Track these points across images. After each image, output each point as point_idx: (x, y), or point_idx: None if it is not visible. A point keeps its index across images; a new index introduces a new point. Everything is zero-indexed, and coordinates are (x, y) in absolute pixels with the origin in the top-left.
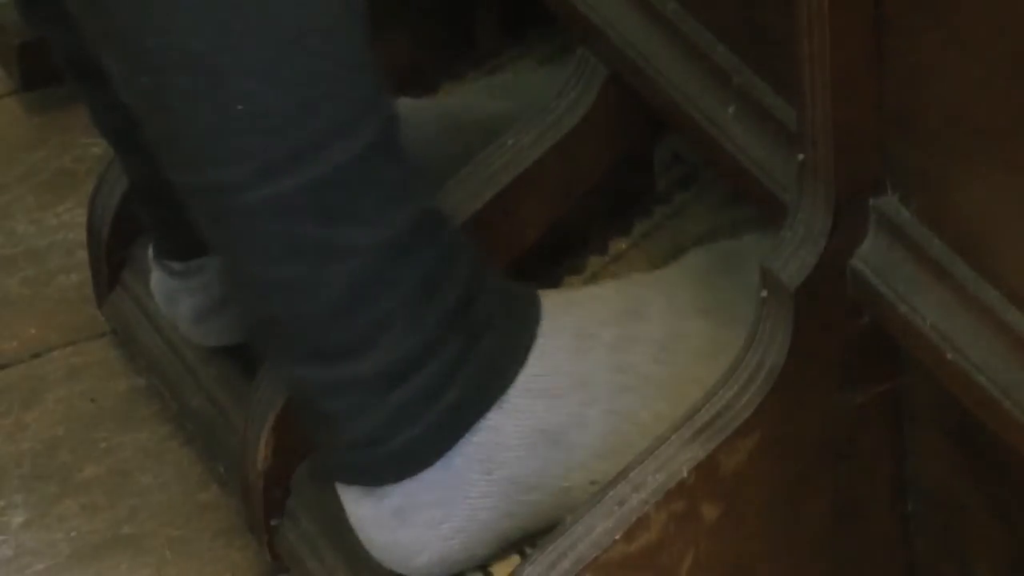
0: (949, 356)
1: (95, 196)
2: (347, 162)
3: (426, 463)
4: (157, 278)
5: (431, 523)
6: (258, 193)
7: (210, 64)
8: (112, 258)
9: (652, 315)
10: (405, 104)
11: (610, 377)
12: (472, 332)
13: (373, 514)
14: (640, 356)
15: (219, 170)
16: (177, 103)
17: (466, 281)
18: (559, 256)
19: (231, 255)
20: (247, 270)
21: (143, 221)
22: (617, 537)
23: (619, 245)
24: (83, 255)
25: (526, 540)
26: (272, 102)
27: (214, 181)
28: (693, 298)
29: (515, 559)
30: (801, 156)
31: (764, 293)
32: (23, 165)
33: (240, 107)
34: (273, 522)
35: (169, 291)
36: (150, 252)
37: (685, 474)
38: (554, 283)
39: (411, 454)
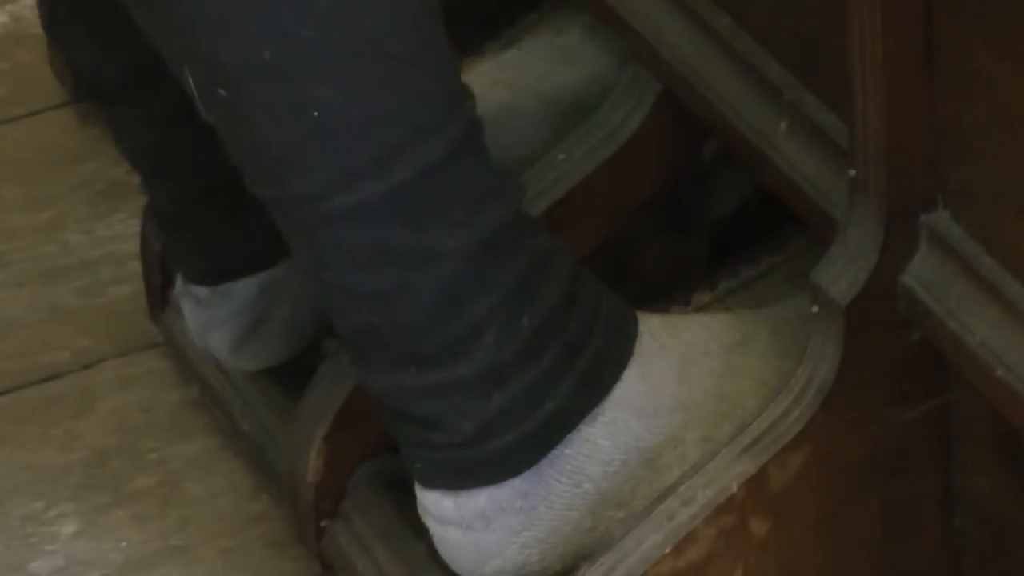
0: (999, 373)
1: (148, 208)
2: (430, 165)
3: (518, 470)
4: (187, 311)
5: (513, 530)
6: (342, 201)
7: (283, 73)
8: (165, 269)
9: (758, 351)
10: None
11: (712, 405)
12: (571, 341)
13: (455, 514)
14: (742, 388)
15: (301, 180)
16: (254, 114)
17: (563, 289)
18: (609, 274)
19: (319, 266)
20: (337, 279)
21: (166, 243)
22: (666, 551)
23: (702, 298)
24: (135, 266)
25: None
26: (349, 108)
27: (297, 191)
28: (797, 339)
29: None
30: (852, 172)
31: (815, 309)
32: (76, 176)
33: (316, 114)
34: (322, 524)
35: (200, 324)
36: (178, 282)
37: (735, 489)
38: None
39: (503, 460)
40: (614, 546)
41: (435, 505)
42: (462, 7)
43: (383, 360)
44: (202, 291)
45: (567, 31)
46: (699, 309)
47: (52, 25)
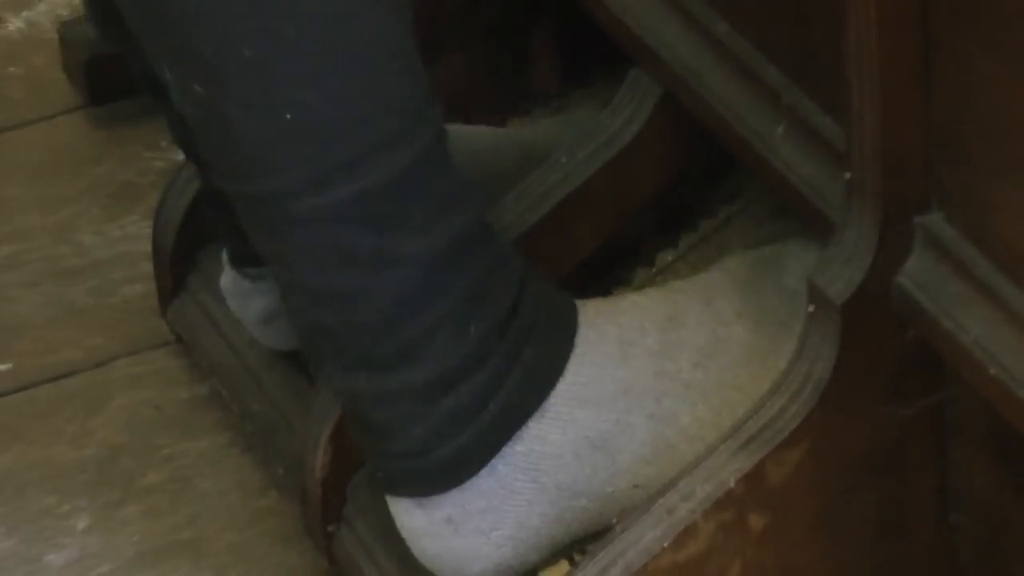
0: (992, 371)
1: (159, 209)
2: (398, 172)
3: (472, 472)
4: (229, 278)
5: (482, 531)
6: (310, 202)
7: (262, 72)
8: (175, 269)
9: (692, 321)
10: (483, 132)
11: (652, 383)
12: (515, 341)
13: (424, 524)
14: (682, 362)
15: (271, 179)
16: (230, 111)
17: (512, 293)
18: (609, 270)
19: (281, 263)
20: (298, 278)
21: (217, 228)
22: (665, 545)
23: (665, 258)
24: (147, 267)
25: (576, 546)
26: (324, 112)
27: (266, 190)
28: (733, 303)
29: (564, 565)
30: (849, 175)
31: (811, 308)
32: (89, 178)
33: (290, 116)
34: (330, 528)
35: (241, 291)
36: (224, 256)
37: (733, 484)
38: (603, 294)
39: (458, 463)
40: (614, 540)
41: (406, 517)
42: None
43: (337, 364)
44: (249, 270)
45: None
46: (662, 269)
47: (105, 23)
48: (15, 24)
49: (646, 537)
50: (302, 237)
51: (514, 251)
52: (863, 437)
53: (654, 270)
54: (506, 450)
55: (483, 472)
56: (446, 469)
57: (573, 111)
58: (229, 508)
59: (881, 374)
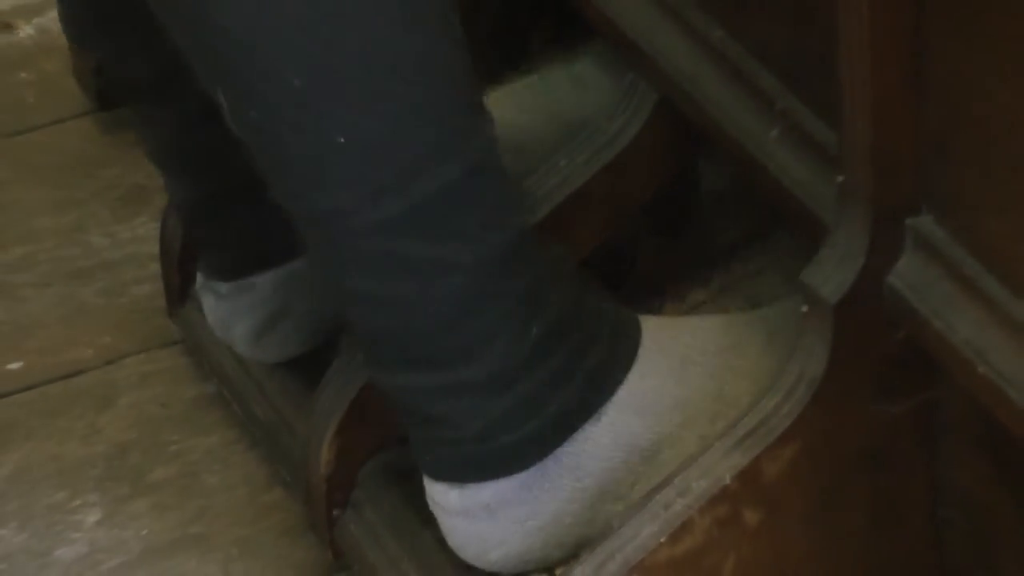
0: (980, 370)
1: (167, 211)
2: (449, 183)
3: (524, 466)
4: (208, 305)
5: (517, 520)
6: (366, 217)
7: (311, 98)
8: (183, 270)
9: (754, 353)
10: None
11: (709, 405)
12: (576, 347)
13: (462, 506)
14: (738, 388)
15: (327, 197)
16: (283, 135)
17: (570, 297)
18: (607, 273)
19: (340, 275)
20: (358, 287)
21: (189, 239)
22: (662, 540)
23: (697, 296)
24: (155, 267)
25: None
26: (373, 131)
27: (324, 208)
28: (790, 340)
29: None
30: (841, 178)
31: (804, 308)
32: (98, 181)
33: (342, 138)
34: (335, 513)
35: (221, 317)
36: (198, 278)
37: (728, 480)
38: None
39: (509, 457)
40: (612, 535)
41: (442, 496)
42: (488, 40)
43: (397, 362)
44: (223, 286)
45: (579, 60)
46: (694, 306)
47: (80, 30)
48: (26, 31)
49: (643, 532)
50: (360, 250)
51: (570, 259)
52: (855, 434)
53: (685, 306)
54: (559, 449)
55: (532, 467)
56: (497, 461)
57: (543, 69)
58: (235, 503)
59: (872, 373)
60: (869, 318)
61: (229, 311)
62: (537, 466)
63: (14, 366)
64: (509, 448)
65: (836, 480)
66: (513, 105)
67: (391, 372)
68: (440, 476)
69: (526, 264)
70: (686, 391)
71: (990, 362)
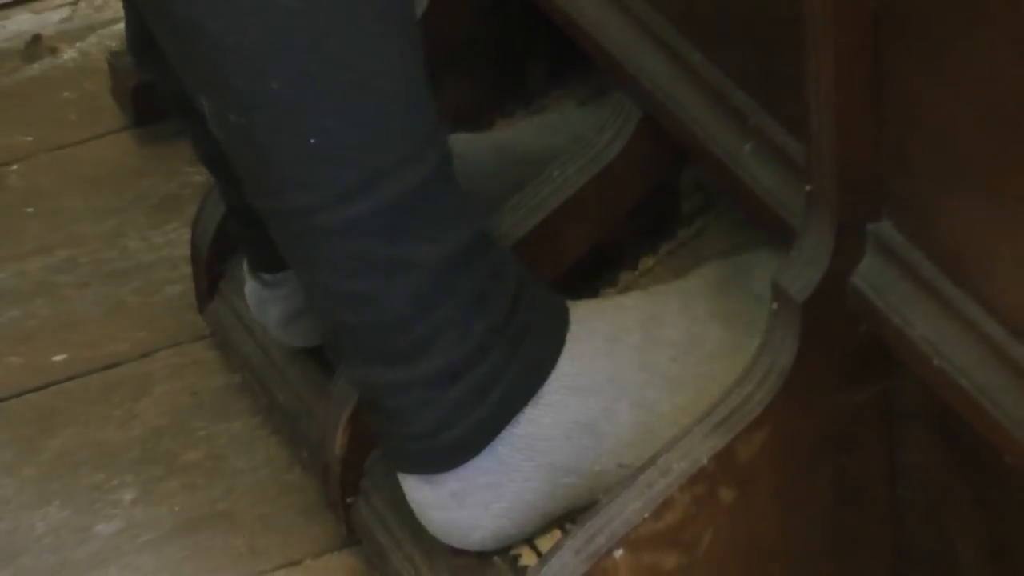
0: (935, 362)
1: (197, 218)
2: (412, 188)
3: (476, 452)
4: (251, 287)
5: (484, 503)
6: (333, 215)
7: (289, 103)
8: (211, 271)
9: (671, 321)
10: (464, 138)
11: (635, 375)
12: (514, 338)
13: (432, 498)
14: (661, 356)
15: (298, 196)
16: (261, 137)
17: (510, 293)
18: (597, 272)
19: (308, 270)
20: (322, 283)
21: (238, 238)
22: (646, 516)
23: (647, 262)
24: (186, 269)
25: (567, 517)
26: (344, 136)
27: (293, 206)
28: (707, 305)
29: (557, 534)
30: (808, 187)
31: (775, 305)
32: (135, 190)
33: (315, 141)
34: (349, 500)
35: (261, 299)
36: (245, 265)
37: (705, 462)
38: (592, 294)
39: (464, 445)
40: (600, 512)
41: (415, 492)
42: (480, 53)
43: (357, 357)
44: (264, 275)
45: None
46: (645, 272)
47: (139, 51)
48: (70, 54)
49: (629, 508)
50: (326, 247)
51: (511, 257)
52: (821, 420)
53: (637, 273)
54: (505, 433)
55: (485, 452)
56: (453, 450)
57: (551, 110)
58: (259, 483)
59: (837, 364)
60: (834, 315)
61: (266, 297)
62: (490, 452)
63: (58, 358)
64: (462, 438)
65: (803, 462)
66: (540, 133)
67: (351, 366)
68: (407, 470)
69: (475, 265)
70: (614, 366)
71: (944, 354)
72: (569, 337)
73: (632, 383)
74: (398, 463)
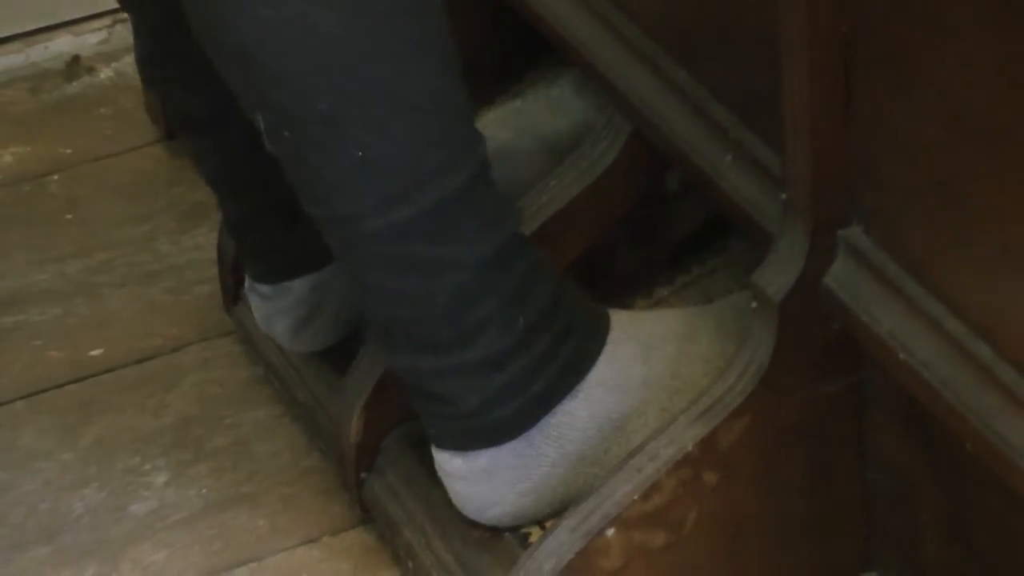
0: (901, 356)
1: (224, 223)
2: (450, 195)
3: (512, 436)
4: (254, 305)
5: (510, 482)
6: (378, 222)
7: (336, 121)
8: (236, 273)
9: (705, 340)
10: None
11: (667, 383)
12: (556, 335)
13: (464, 470)
14: (694, 370)
15: (346, 205)
16: (310, 152)
17: (550, 294)
18: (590, 276)
19: (358, 271)
20: (372, 282)
21: (239, 250)
22: (636, 498)
23: (662, 292)
24: (213, 270)
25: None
26: (386, 149)
27: (342, 214)
28: (735, 328)
29: None
30: (784, 195)
31: (754, 304)
32: (166, 198)
33: (360, 154)
34: (362, 475)
35: (265, 315)
36: (246, 283)
37: (690, 448)
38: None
39: (501, 428)
40: (593, 494)
41: (447, 463)
42: (478, 66)
43: (406, 346)
44: (266, 288)
45: (560, 85)
46: (659, 301)
47: (148, 71)
48: (106, 73)
49: (619, 491)
50: (374, 250)
51: (549, 259)
52: (796, 409)
53: (651, 301)
54: (542, 421)
55: (520, 436)
56: (491, 431)
57: (527, 93)
58: (281, 467)
59: (811, 358)
60: (808, 313)
61: (272, 310)
62: (525, 436)
63: (95, 352)
64: (501, 421)
65: (780, 448)
66: (500, 125)
67: (401, 355)
68: (444, 445)
69: (514, 264)
70: (648, 371)
71: (909, 350)
72: (609, 340)
73: (664, 389)
74: (436, 439)
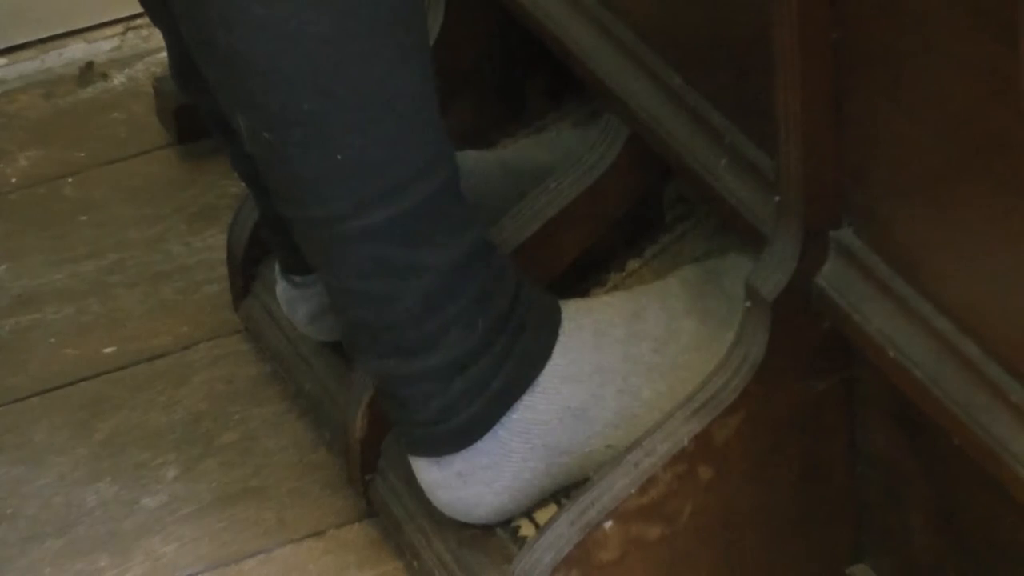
0: (891, 354)
1: (232, 226)
2: (424, 199)
3: (479, 436)
4: (281, 288)
5: (486, 482)
6: (353, 224)
7: (317, 122)
8: (245, 273)
9: (652, 317)
10: (472, 155)
11: (620, 365)
12: (512, 333)
13: (440, 478)
14: (643, 348)
15: (323, 206)
16: (291, 153)
17: (510, 294)
18: (588, 273)
19: (330, 272)
20: (342, 284)
21: (270, 244)
22: (632, 492)
23: (633, 264)
24: (223, 270)
25: (562, 492)
26: (367, 153)
27: (318, 215)
28: (684, 303)
29: (553, 508)
30: (777, 198)
31: (748, 304)
32: (177, 201)
33: (340, 156)
34: (367, 477)
35: (290, 299)
36: (276, 268)
37: (686, 443)
38: (583, 293)
39: (467, 430)
40: (591, 488)
41: (425, 472)
42: (480, 74)
43: (373, 351)
44: (294, 278)
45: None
46: (631, 273)
47: (182, 77)
48: (119, 79)
49: (617, 485)
50: (347, 251)
51: (509, 262)
52: (788, 405)
53: (624, 274)
54: (504, 419)
55: (487, 436)
56: (458, 434)
57: (549, 131)
58: (288, 462)
59: (803, 356)
60: (800, 312)
61: (295, 297)
62: (491, 435)
63: (108, 350)
64: (466, 424)
65: (773, 443)
66: (539, 150)
67: (369, 359)
68: (417, 452)
69: (479, 268)
70: (601, 357)
71: (898, 347)
72: (561, 332)
73: (617, 372)
74: (409, 447)
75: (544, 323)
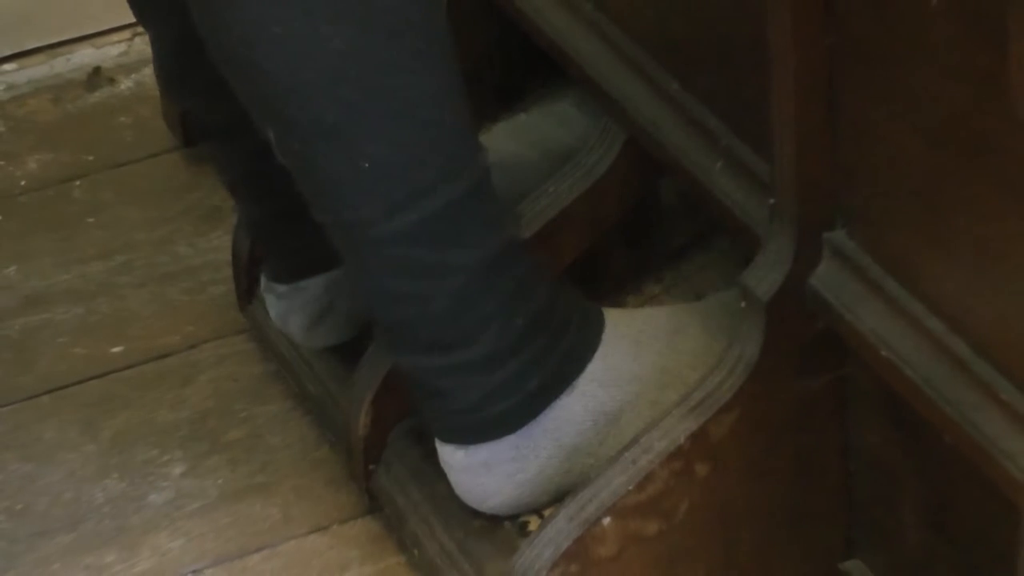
0: (883, 353)
1: (238, 227)
2: (452, 201)
3: (512, 430)
4: (269, 302)
5: (509, 474)
6: (384, 227)
7: (343, 133)
8: (250, 274)
9: (692, 334)
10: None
11: (657, 377)
12: (553, 333)
13: (465, 463)
14: (680, 364)
15: (353, 211)
16: (318, 161)
17: (547, 294)
18: (588, 277)
19: (364, 274)
20: (377, 285)
21: (257, 253)
22: (630, 488)
23: (653, 289)
24: (228, 272)
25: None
26: (392, 159)
27: (349, 220)
28: (721, 323)
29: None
30: (772, 200)
31: (743, 304)
32: (184, 203)
33: (367, 164)
34: (371, 467)
35: (280, 312)
36: (262, 283)
37: (682, 440)
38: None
39: (500, 423)
40: (590, 484)
41: (450, 456)
42: (480, 79)
43: (409, 346)
44: (282, 287)
45: (565, 100)
46: (650, 298)
47: (169, 84)
48: (126, 83)
49: (615, 482)
50: (379, 254)
51: (545, 264)
52: (782, 404)
53: (643, 297)
54: (538, 416)
55: (520, 430)
56: (491, 425)
57: (529, 112)
58: (292, 458)
59: (797, 355)
60: (794, 312)
61: (286, 308)
62: (523, 430)
63: (116, 349)
64: (500, 416)
65: (767, 441)
66: (511, 138)
67: (405, 354)
68: (447, 439)
69: (512, 267)
70: (639, 367)
71: (890, 347)
72: (603, 338)
73: (654, 383)
74: (439, 432)
75: (586, 326)
